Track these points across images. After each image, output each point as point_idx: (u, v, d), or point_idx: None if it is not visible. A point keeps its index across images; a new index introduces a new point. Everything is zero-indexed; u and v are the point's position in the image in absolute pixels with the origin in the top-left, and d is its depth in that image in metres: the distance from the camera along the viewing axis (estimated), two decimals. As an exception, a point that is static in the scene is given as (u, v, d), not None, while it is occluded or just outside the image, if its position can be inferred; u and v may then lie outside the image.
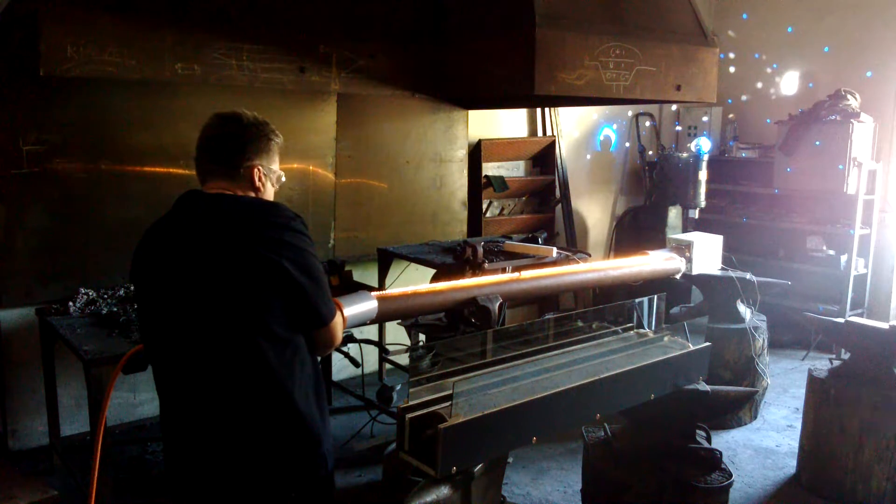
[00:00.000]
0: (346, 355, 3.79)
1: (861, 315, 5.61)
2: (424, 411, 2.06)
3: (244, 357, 1.72)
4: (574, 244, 6.07)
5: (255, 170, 1.87)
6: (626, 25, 3.93)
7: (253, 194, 1.88)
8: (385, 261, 4.62)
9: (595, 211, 6.55)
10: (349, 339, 3.91)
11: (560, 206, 6.06)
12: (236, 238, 1.71)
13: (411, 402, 2.10)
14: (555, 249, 4.42)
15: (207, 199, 1.82)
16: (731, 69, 6.45)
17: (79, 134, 3.67)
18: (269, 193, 1.93)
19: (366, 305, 2.47)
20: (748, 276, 4.36)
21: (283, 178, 1.99)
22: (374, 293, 2.57)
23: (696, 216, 5.86)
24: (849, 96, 5.52)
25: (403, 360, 4.64)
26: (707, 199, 5.91)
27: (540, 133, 5.97)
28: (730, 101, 6.54)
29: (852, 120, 5.38)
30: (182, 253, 1.76)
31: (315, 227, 4.58)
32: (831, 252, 5.71)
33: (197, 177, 1.90)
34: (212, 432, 1.78)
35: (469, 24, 4.20)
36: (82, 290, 3.57)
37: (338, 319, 1.89)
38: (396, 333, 4.34)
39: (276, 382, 1.74)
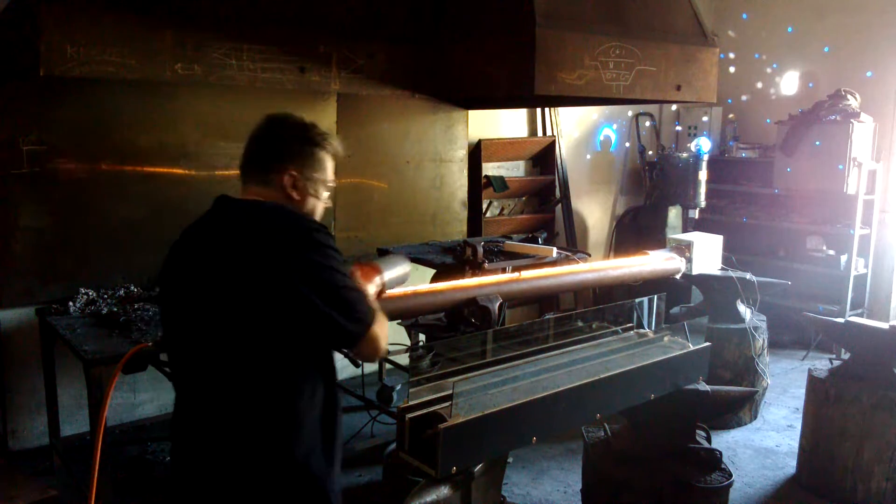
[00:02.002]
0: (346, 355, 3.79)
1: (861, 315, 5.61)
2: (424, 411, 2.06)
3: (247, 377, 1.64)
4: (574, 244, 6.07)
5: (288, 176, 1.74)
6: (626, 25, 3.93)
7: (291, 204, 1.76)
8: (385, 261, 4.62)
9: (595, 211, 6.55)
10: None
11: (560, 206, 6.06)
12: (250, 253, 1.60)
13: (411, 402, 2.10)
14: (555, 249, 4.42)
15: (235, 206, 1.73)
16: (731, 69, 6.45)
17: (79, 134, 3.67)
18: (311, 204, 1.81)
19: (400, 269, 2.33)
20: (748, 276, 4.36)
21: (332, 182, 1.85)
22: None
23: (696, 216, 5.86)
24: (849, 96, 5.52)
25: (403, 360, 4.64)
26: (707, 199, 5.91)
27: (540, 133, 5.97)
28: (730, 101, 6.54)
29: (852, 120, 5.38)
30: (202, 260, 1.70)
31: (315, 227, 4.58)
32: (831, 252, 5.71)
33: (240, 178, 1.82)
34: (209, 439, 1.73)
35: (469, 24, 4.20)
36: (82, 290, 3.57)
37: (374, 329, 1.69)
38: (396, 333, 4.33)
39: (276, 412, 1.65)
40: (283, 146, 1.76)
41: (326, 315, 1.60)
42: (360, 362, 3.89)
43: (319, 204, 1.84)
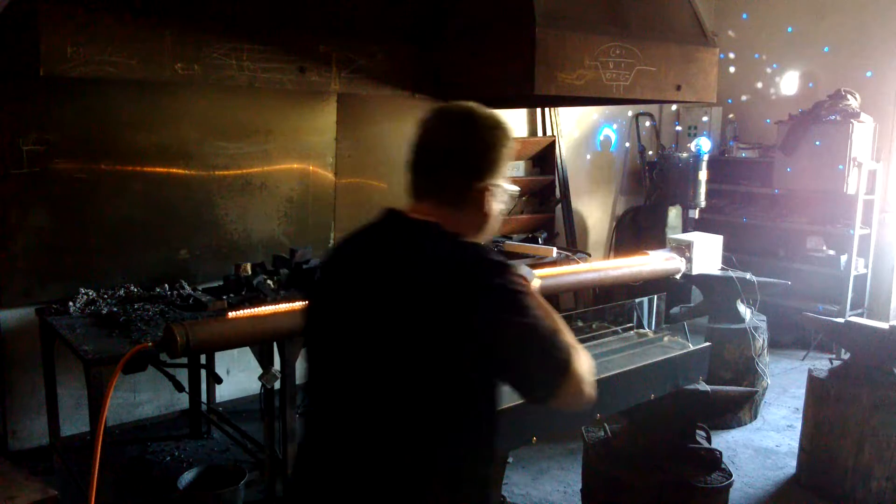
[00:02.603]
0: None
1: (861, 315, 5.60)
2: (424, 411, 2.06)
3: (407, 421, 1.39)
4: (574, 244, 6.07)
5: (487, 192, 1.45)
6: (626, 25, 3.93)
7: (477, 220, 1.48)
8: (385, 261, 4.62)
9: (595, 211, 6.55)
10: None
11: (560, 206, 6.06)
12: (433, 295, 1.34)
13: (411, 402, 2.09)
14: (555, 249, 4.42)
15: (409, 228, 1.45)
16: (731, 69, 6.45)
17: (79, 134, 3.67)
18: (497, 220, 1.52)
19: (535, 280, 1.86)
20: (748, 276, 4.36)
21: (517, 191, 1.58)
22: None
23: (696, 216, 5.85)
24: (849, 96, 5.52)
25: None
26: (707, 199, 5.91)
27: (540, 133, 5.97)
28: (730, 101, 6.54)
29: (852, 120, 5.38)
30: (370, 284, 1.43)
31: (315, 227, 4.58)
32: (831, 252, 5.70)
33: (406, 188, 1.52)
34: (350, 471, 1.45)
35: (469, 23, 4.19)
36: (82, 290, 3.57)
37: (571, 372, 1.35)
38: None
39: (432, 455, 1.40)
40: (482, 156, 1.45)
41: (514, 367, 1.37)
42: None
43: (500, 218, 1.54)
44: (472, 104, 1.48)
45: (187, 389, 3.60)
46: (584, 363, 1.40)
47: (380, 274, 1.42)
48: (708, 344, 2.87)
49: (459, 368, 1.35)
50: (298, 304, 2.90)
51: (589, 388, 1.40)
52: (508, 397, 2.21)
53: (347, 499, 1.43)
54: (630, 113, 6.62)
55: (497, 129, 1.47)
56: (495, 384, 1.44)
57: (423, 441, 1.40)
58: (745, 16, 6.49)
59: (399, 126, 4.90)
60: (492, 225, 1.51)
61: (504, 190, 1.49)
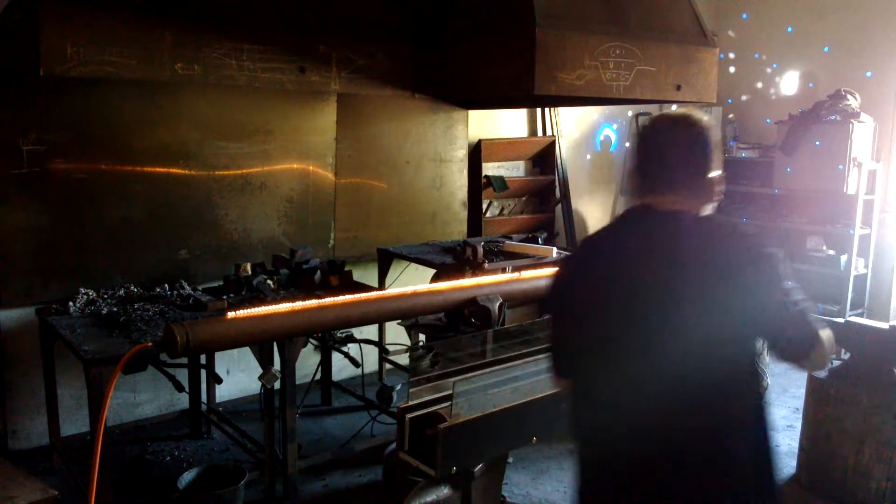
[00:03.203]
0: (346, 355, 3.80)
1: (861, 315, 5.60)
2: (424, 411, 2.06)
3: (712, 386, 1.62)
4: (574, 244, 6.06)
5: (714, 181, 1.72)
6: (626, 25, 3.93)
7: (708, 206, 1.74)
8: (385, 261, 4.62)
9: (595, 211, 6.55)
10: (349, 339, 3.92)
11: (560, 206, 6.06)
12: (731, 262, 1.63)
13: (411, 402, 2.10)
14: (555, 249, 4.42)
15: (675, 217, 1.70)
16: (731, 69, 6.45)
17: (79, 134, 3.67)
18: (718, 197, 1.79)
19: None
20: (748, 276, 4.35)
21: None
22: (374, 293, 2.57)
23: (696, 216, 5.85)
24: (849, 96, 5.52)
25: (403, 360, 4.64)
26: (707, 199, 5.90)
27: (540, 133, 5.97)
28: (730, 101, 6.54)
29: (852, 120, 5.38)
30: (668, 264, 1.66)
31: (315, 227, 4.58)
32: (831, 252, 5.70)
33: (636, 188, 1.76)
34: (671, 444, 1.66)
35: (469, 24, 4.20)
36: (82, 290, 3.57)
37: (822, 338, 1.68)
38: (396, 333, 4.34)
39: (732, 416, 1.66)
40: (714, 149, 1.72)
41: (788, 326, 1.65)
42: (360, 363, 3.90)
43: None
44: (687, 111, 1.76)
45: (187, 389, 3.61)
46: (829, 331, 1.71)
47: (679, 252, 1.67)
48: (708, 344, 2.87)
49: (744, 321, 1.61)
50: (299, 304, 2.90)
51: (830, 354, 1.71)
52: (508, 397, 2.21)
53: (681, 444, 1.65)
54: (630, 113, 6.62)
55: (713, 129, 1.74)
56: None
57: (732, 380, 1.65)
58: (745, 16, 6.49)
59: (399, 126, 4.90)
60: (713, 206, 1.78)
61: (721, 177, 1.75)
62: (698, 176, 1.70)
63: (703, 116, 1.74)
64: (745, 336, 1.66)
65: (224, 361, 4.36)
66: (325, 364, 4.49)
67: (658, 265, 1.67)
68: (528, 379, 2.34)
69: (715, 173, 1.71)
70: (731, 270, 1.62)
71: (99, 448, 2.13)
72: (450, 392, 2.04)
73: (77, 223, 3.72)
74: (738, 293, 1.60)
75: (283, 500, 3.39)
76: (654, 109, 6.74)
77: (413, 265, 4.62)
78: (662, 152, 1.73)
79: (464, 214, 5.33)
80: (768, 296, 1.63)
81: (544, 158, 5.94)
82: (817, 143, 5.54)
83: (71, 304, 3.47)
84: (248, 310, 2.82)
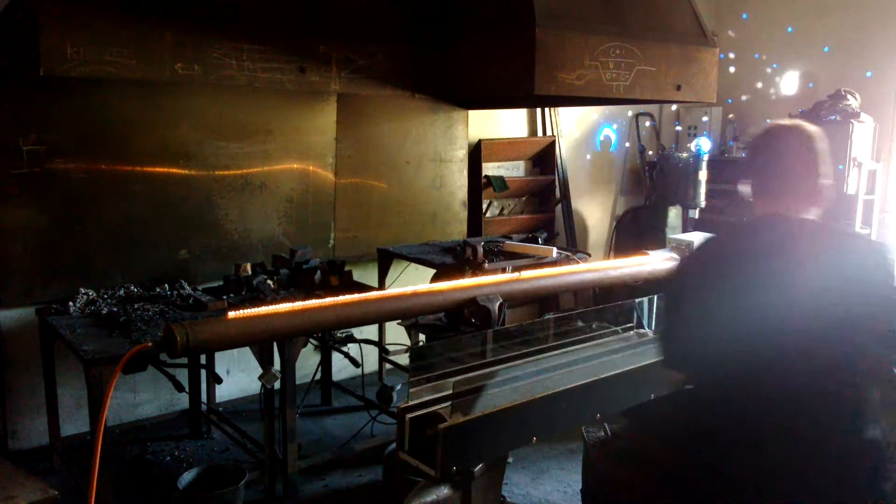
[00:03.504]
0: (346, 355, 3.80)
1: (861, 315, 5.60)
2: (424, 411, 2.06)
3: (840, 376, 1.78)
4: (574, 244, 6.07)
5: (826, 187, 1.89)
6: (626, 25, 3.93)
7: (820, 210, 1.90)
8: (385, 261, 4.62)
9: (595, 211, 6.55)
10: (349, 338, 3.92)
11: (560, 206, 6.06)
12: (858, 267, 1.80)
13: (411, 402, 2.10)
14: (555, 249, 4.42)
15: (804, 223, 1.87)
16: (731, 69, 6.45)
17: (79, 134, 3.67)
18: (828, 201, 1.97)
19: None
20: (748, 276, 4.35)
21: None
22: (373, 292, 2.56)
23: (696, 216, 5.85)
24: (849, 96, 5.52)
25: (403, 360, 4.64)
26: (707, 199, 5.90)
27: (540, 133, 5.97)
28: (730, 101, 6.54)
29: (852, 120, 5.38)
30: (804, 266, 1.79)
31: (315, 227, 4.58)
32: (831, 252, 5.70)
33: (754, 193, 1.93)
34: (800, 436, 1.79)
35: (469, 24, 4.20)
36: (82, 290, 3.57)
37: None
38: (396, 333, 4.34)
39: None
40: (823, 160, 1.89)
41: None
42: (360, 363, 3.90)
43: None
44: (798, 122, 1.94)
45: (187, 389, 3.60)
46: None
47: (817, 254, 1.82)
48: (708, 344, 2.87)
49: (858, 318, 1.76)
50: (299, 304, 2.90)
51: None
52: (508, 397, 2.21)
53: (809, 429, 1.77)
54: (630, 113, 6.62)
55: (824, 139, 1.91)
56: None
57: (849, 370, 1.78)
58: (745, 16, 6.48)
59: (399, 126, 4.90)
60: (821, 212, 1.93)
61: (832, 184, 1.91)
62: (811, 181, 1.87)
63: (813, 126, 1.90)
64: (861, 326, 1.78)
65: (224, 361, 4.36)
66: (325, 364, 4.49)
67: (788, 263, 1.80)
68: (528, 379, 2.34)
69: (826, 180, 1.87)
70: (857, 266, 1.79)
71: (99, 448, 2.13)
72: (450, 392, 2.04)
73: (77, 223, 3.72)
74: (860, 286, 1.76)
75: (283, 500, 3.39)
76: (654, 109, 6.75)
77: (413, 265, 4.62)
78: (782, 159, 1.90)
79: (464, 214, 5.33)
80: (884, 288, 1.81)
81: (544, 158, 5.94)
82: (817, 143, 5.54)
83: (71, 304, 3.47)
84: (248, 310, 2.81)
